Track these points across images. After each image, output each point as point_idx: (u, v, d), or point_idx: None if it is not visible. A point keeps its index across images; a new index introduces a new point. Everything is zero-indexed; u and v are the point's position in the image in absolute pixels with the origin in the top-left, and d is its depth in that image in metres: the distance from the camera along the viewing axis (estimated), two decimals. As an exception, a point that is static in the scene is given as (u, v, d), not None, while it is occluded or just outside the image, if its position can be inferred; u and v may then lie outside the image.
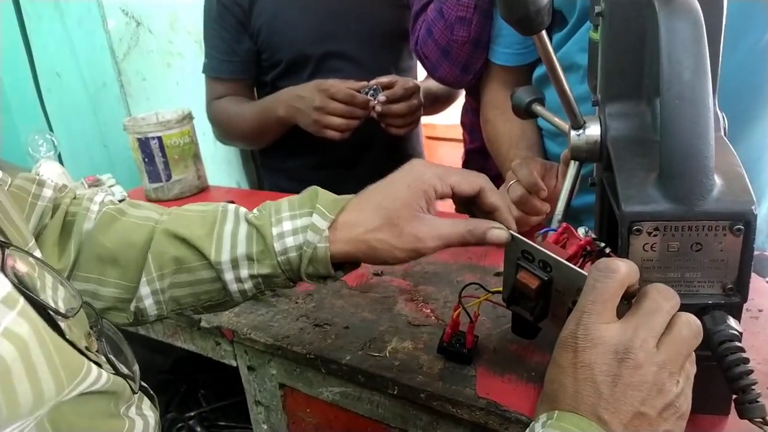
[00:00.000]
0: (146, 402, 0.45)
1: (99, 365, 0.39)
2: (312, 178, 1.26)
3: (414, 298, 0.73)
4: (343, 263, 0.52)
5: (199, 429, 1.08)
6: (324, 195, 0.52)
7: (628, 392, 0.37)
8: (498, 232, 0.50)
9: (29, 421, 0.31)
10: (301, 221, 0.50)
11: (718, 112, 0.49)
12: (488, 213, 0.52)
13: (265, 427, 0.76)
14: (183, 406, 1.15)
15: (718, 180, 0.42)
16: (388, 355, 0.62)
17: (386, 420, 0.63)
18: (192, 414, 1.11)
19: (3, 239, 0.36)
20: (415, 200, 0.49)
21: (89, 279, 0.51)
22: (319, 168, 1.26)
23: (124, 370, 0.44)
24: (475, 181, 0.51)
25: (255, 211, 0.53)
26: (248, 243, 0.50)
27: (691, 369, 0.40)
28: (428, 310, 0.70)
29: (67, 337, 0.37)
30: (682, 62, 0.42)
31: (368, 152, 1.24)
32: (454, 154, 2.09)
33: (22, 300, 0.31)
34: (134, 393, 0.43)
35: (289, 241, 0.50)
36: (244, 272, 0.51)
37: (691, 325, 0.39)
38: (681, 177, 0.42)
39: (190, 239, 0.51)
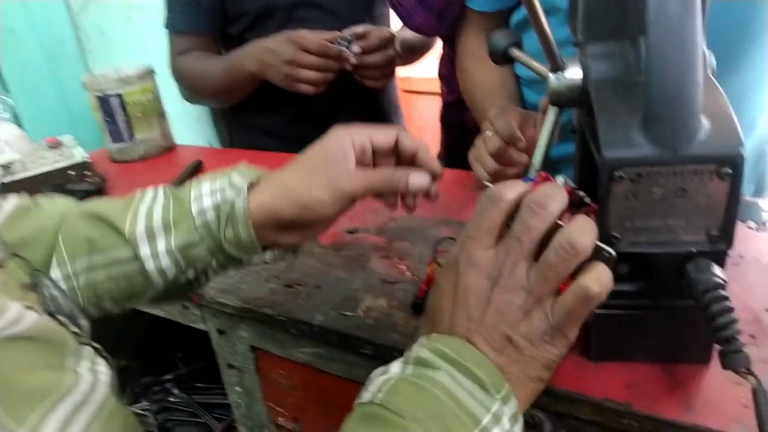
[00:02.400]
0: (102, 360, 0.42)
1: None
2: (287, 133, 1.22)
3: (389, 254, 0.70)
4: (275, 247, 0.50)
5: (176, 391, 1.07)
6: (246, 165, 0.51)
7: (496, 316, 0.38)
8: (419, 177, 0.50)
9: None
10: (220, 183, 0.49)
11: (705, 49, 0.46)
12: (412, 161, 0.52)
13: (239, 389, 0.74)
14: (160, 369, 1.13)
15: (705, 122, 0.39)
16: (361, 314, 0.60)
17: (362, 380, 0.60)
18: (169, 377, 1.10)
19: None
20: (332, 151, 0.48)
21: None
22: (293, 123, 1.21)
23: (70, 326, 0.41)
24: (390, 132, 0.51)
25: None
26: (164, 212, 0.48)
27: (573, 302, 0.37)
28: (403, 267, 0.68)
29: None
30: (669, -6, 0.39)
31: (344, 105, 1.20)
32: (432, 107, 2.04)
33: None
34: (82, 344, 0.40)
35: (207, 202, 0.48)
36: (161, 245, 0.47)
37: (561, 247, 0.36)
38: (666, 119, 0.39)
39: (104, 215, 0.48)
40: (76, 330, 0.42)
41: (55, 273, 0.47)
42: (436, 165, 0.52)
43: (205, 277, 0.51)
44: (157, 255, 0.47)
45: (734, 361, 0.38)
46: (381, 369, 0.39)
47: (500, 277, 0.38)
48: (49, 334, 0.36)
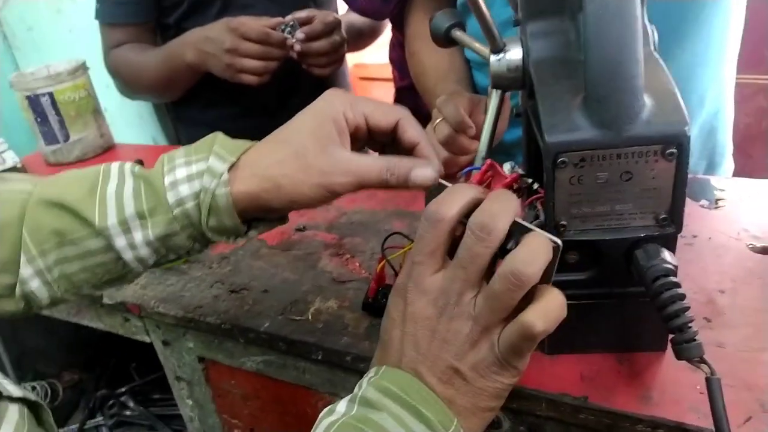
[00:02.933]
0: (10, 415, 0.38)
1: None
2: (234, 128, 1.15)
3: (339, 252, 0.67)
4: (258, 221, 0.46)
5: (131, 404, 1.03)
6: (224, 139, 0.46)
7: (443, 346, 0.36)
8: (423, 172, 0.43)
9: None
10: (197, 166, 0.44)
11: (647, 24, 0.44)
12: (408, 151, 0.46)
13: (190, 402, 0.71)
14: (114, 381, 1.09)
15: (648, 100, 0.37)
16: (310, 317, 0.57)
17: (315, 386, 0.59)
18: (123, 390, 1.05)
19: None
20: (324, 129, 0.43)
21: None
22: (240, 117, 1.16)
23: None
24: (392, 113, 0.45)
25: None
26: (136, 199, 0.43)
27: (516, 338, 0.34)
28: (356, 264, 0.65)
29: None
30: (606, -33, 0.36)
31: (293, 97, 1.15)
32: (387, 94, 2.00)
33: None
34: None
35: (184, 190, 0.43)
36: (138, 236, 0.43)
37: (506, 278, 0.34)
38: (607, 99, 0.37)
39: (69, 204, 0.43)
40: None
41: (26, 270, 0.44)
42: (437, 162, 0.45)
43: (187, 254, 0.47)
44: (135, 246, 0.44)
45: (687, 350, 0.36)
46: (329, 408, 0.37)
47: (446, 306, 0.36)
48: None
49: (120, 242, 0.43)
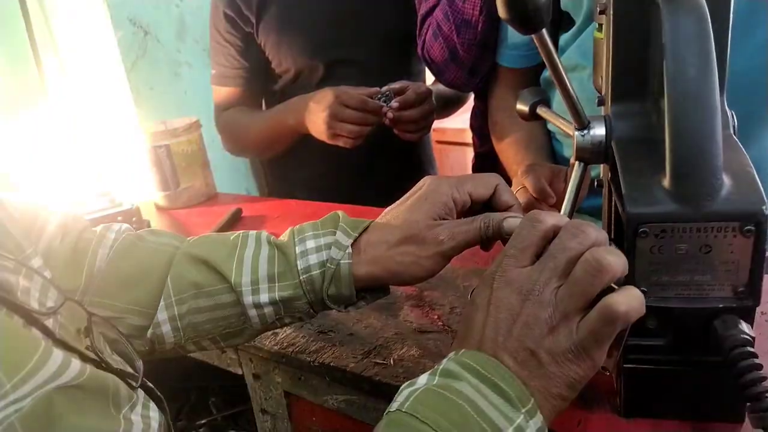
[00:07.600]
0: (153, 404, 0.44)
1: (94, 362, 0.39)
2: (324, 186, 1.26)
3: (420, 304, 0.72)
4: (366, 292, 0.52)
5: (209, 437, 1.08)
6: (346, 216, 0.53)
7: (522, 330, 0.38)
8: (514, 221, 0.49)
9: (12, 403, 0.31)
10: (325, 239, 0.51)
11: (727, 109, 0.47)
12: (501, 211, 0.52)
13: (272, 435, 0.76)
14: (193, 413, 1.15)
15: (726, 180, 0.41)
16: (393, 362, 0.61)
17: (392, 429, 0.62)
18: (203, 422, 1.11)
19: None
20: (436, 212, 0.50)
21: (103, 304, 0.51)
22: (330, 176, 1.25)
23: (124, 368, 0.43)
24: (490, 182, 0.52)
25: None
26: (270, 264, 0.51)
27: (596, 321, 0.37)
28: (435, 316, 0.69)
29: (57, 335, 0.37)
30: (687, 59, 0.41)
31: (380, 159, 1.23)
32: (464, 158, 2.07)
33: None
34: (133, 389, 0.42)
35: (312, 259, 0.50)
36: (264, 297, 0.50)
37: (587, 263, 0.37)
38: (687, 177, 0.40)
39: (212, 261, 0.51)
40: (131, 371, 0.44)
41: (162, 314, 0.51)
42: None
43: (300, 320, 0.54)
44: (260, 305, 0.50)
45: (764, 419, 0.38)
46: (409, 381, 0.40)
47: (531, 293, 0.39)
48: (99, 381, 0.37)
49: (248, 299, 0.50)
